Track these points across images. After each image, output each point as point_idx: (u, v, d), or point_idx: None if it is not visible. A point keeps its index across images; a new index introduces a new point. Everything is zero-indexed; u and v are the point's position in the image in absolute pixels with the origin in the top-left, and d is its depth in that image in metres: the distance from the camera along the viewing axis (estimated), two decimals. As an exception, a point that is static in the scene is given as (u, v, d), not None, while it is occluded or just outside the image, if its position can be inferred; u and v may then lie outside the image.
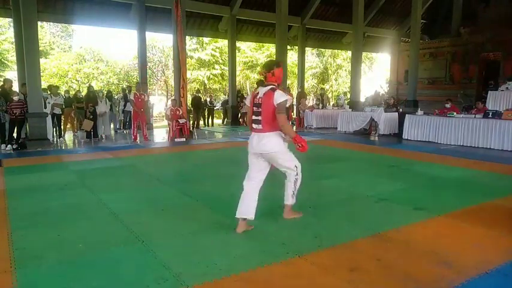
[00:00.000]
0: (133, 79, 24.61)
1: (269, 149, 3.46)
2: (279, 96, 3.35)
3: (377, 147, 9.19)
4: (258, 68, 27.32)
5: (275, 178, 5.86)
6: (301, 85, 18.00)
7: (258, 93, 3.51)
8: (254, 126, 3.52)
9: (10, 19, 13.33)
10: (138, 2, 13.15)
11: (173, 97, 12.99)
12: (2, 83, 9.67)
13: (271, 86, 3.44)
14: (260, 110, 3.42)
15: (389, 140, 10.50)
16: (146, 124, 11.04)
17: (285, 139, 3.54)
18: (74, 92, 13.24)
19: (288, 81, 13.71)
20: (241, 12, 15.60)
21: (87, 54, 26.37)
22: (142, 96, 10.49)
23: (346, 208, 4.25)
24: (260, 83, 3.79)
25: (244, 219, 3.46)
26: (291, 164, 3.63)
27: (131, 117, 11.68)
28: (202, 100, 15.87)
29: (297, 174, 3.67)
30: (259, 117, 3.45)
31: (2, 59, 22.56)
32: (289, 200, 3.75)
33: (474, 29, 15.30)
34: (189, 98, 15.51)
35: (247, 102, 3.69)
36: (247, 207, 3.45)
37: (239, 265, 2.77)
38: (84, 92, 12.64)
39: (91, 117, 10.66)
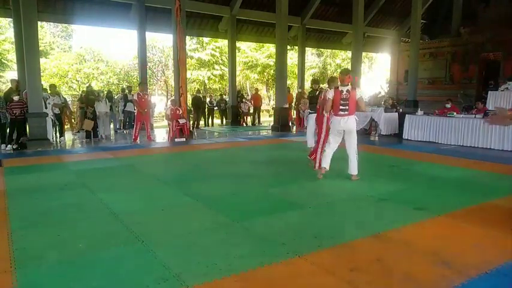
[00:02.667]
0: (134, 79, 24.60)
1: (353, 127, 5.34)
2: (359, 92, 5.33)
3: (377, 147, 9.19)
4: (259, 69, 27.41)
5: (278, 178, 5.87)
6: (301, 85, 18.00)
7: (342, 90, 5.28)
8: (341, 112, 5.28)
9: (10, 19, 13.33)
10: (138, 2, 13.15)
11: (173, 97, 12.99)
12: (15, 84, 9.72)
13: (350, 86, 5.30)
14: (347, 102, 5.23)
15: (390, 140, 10.50)
16: (150, 124, 11.05)
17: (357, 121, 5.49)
18: (79, 92, 13.23)
19: (288, 82, 13.70)
20: (241, 12, 15.60)
21: (87, 54, 26.36)
22: (146, 96, 10.50)
23: (346, 208, 4.25)
24: (331, 80, 5.86)
25: (324, 168, 5.49)
26: (356, 143, 5.40)
27: (133, 117, 11.67)
28: (202, 100, 15.87)
29: (356, 153, 5.40)
30: (347, 107, 5.26)
31: (2, 59, 22.55)
32: (355, 171, 5.42)
33: (474, 29, 15.28)
34: (189, 98, 15.52)
35: (330, 95, 5.36)
36: (328, 161, 5.48)
37: (239, 265, 2.77)
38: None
39: (91, 117, 10.66)
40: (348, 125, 5.29)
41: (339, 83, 5.54)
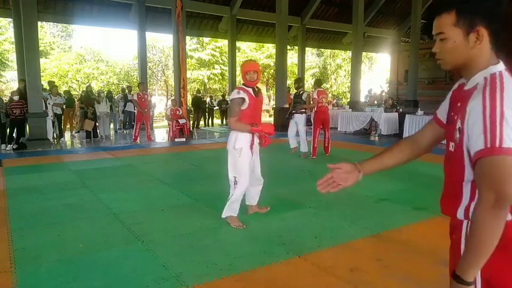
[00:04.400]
0: (134, 79, 24.61)
1: (228, 146, 3.54)
2: (230, 95, 3.48)
3: (377, 147, 9.17)
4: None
5: (277, 177, 5.87)
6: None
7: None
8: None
9: (10, 19, 13.33)
10: (138, 2, 13.15)
11: (173, 97, 12.99)
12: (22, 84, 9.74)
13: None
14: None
15: (390, 140, 10.49)
16: (150, 124, 11.05)
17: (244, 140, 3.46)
18: (80, 92, 13.28)
19: (288, 82, 13.74)
20: (241, 12, 15.61)
21: (87, 54, 26.37)
22: (146, 96, 10.50)
23: (346, 208, 4.25)
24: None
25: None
26: (230, 173, 3.49)
27: (133, 117, 11.65)
28: (202, 100, 15.87)
29: (233, 189, 3.46)
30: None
31: (2, 59, 22.56)
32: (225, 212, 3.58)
33: (474, 28, 15.25)
34: (189, 98, 15.52)
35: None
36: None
37: (239, 265, 2.77)
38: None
39: (92, 117, 10.67)
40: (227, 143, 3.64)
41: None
